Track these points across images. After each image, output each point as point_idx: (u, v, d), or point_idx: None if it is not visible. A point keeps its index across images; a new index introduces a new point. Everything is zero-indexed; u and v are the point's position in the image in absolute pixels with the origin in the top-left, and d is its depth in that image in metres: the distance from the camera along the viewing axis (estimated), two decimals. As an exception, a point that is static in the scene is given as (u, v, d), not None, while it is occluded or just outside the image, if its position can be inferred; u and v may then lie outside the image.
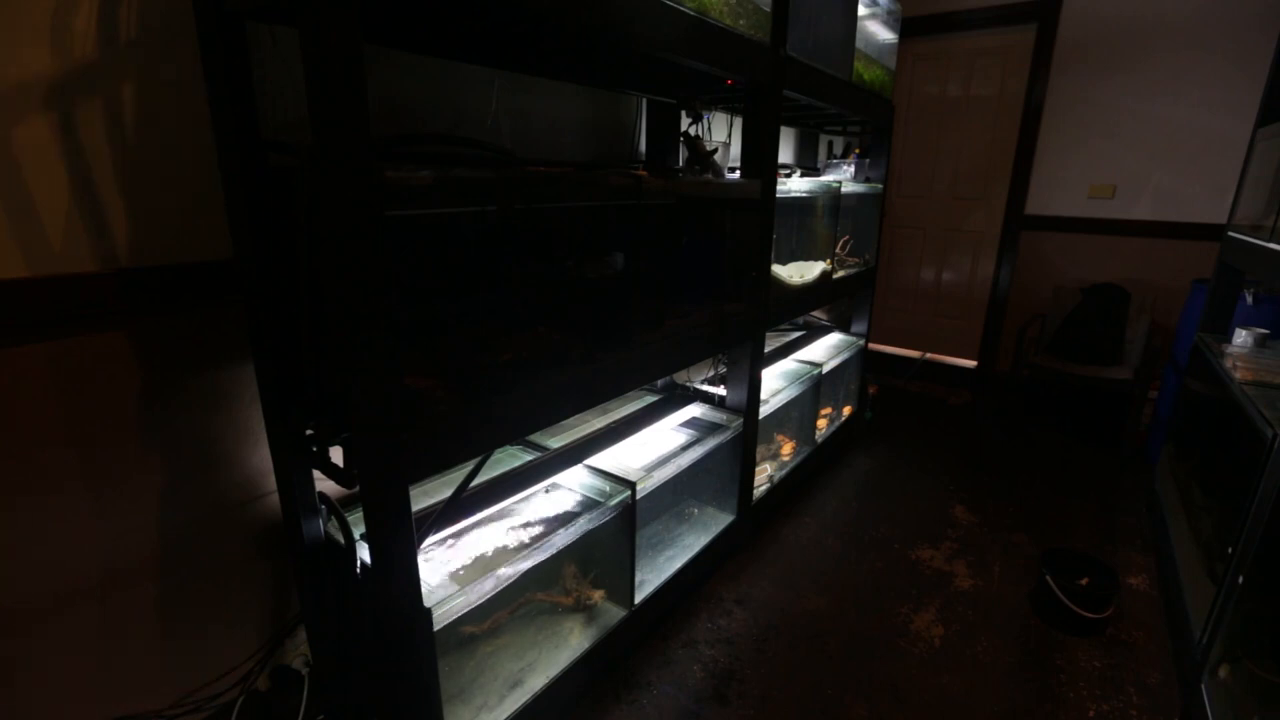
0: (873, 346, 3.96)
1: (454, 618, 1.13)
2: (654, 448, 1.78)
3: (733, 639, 1.72)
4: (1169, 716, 1.51)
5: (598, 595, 1.63)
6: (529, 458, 1.61)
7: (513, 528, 1.37)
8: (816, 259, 2.45)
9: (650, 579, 1.73)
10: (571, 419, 1.64)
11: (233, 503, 1.32)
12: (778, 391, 2.20)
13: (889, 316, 4.10)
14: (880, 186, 2.75)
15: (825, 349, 2.75)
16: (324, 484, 1.15)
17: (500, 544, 1.31)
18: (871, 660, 1.66)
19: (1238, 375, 1.63)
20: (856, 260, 2.80)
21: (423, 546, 1.24)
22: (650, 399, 2.08)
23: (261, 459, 1.33)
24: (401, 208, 0.91)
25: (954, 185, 3.70)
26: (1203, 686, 1.38)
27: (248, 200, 1.00)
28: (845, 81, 2.13)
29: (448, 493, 1.26)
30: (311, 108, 0.77)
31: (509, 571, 1.22)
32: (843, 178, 2.73)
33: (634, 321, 1.49)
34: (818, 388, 2.52)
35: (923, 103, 3.71)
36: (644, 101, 2.11)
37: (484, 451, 1.18)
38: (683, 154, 1.90)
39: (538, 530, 1.36)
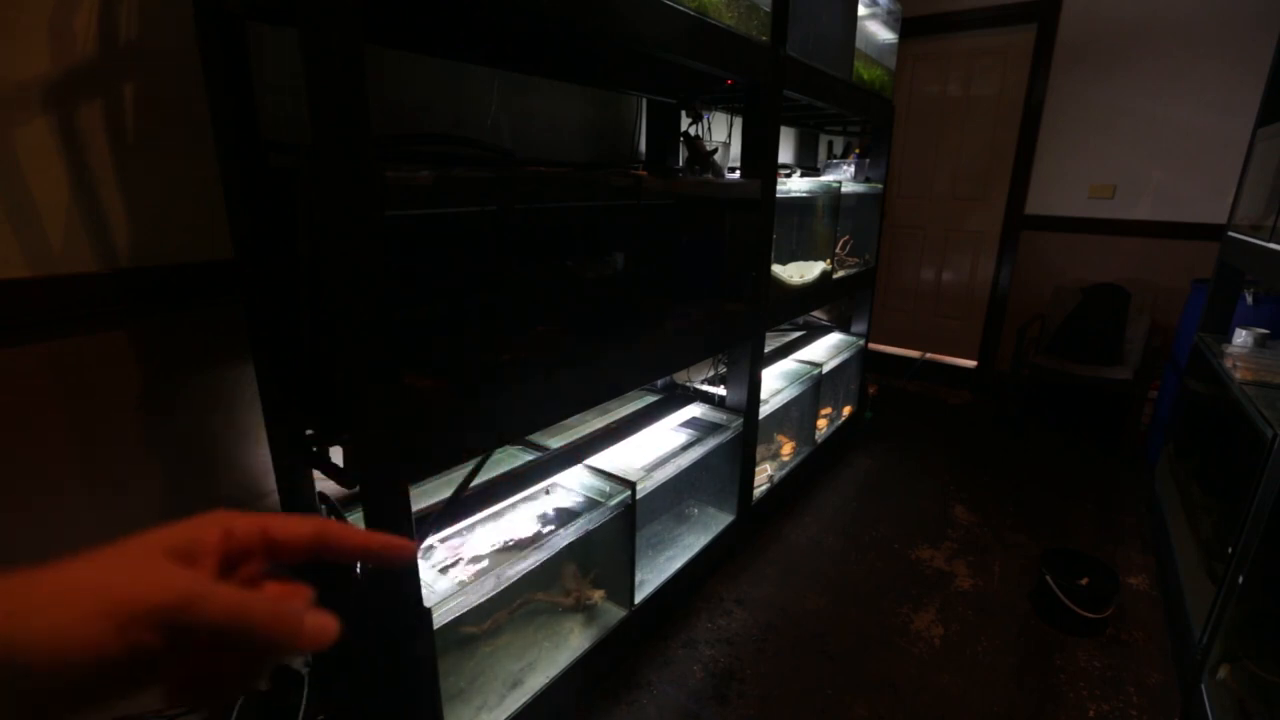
0: (873, 346, 3.94)
1: (454, 617, 1.13)
2: (654, 448, 1.77)
3: (733, 639, 1.72)
4: (1169, 716, 1.51)
5: (598, 595, 1.62)
6: (529, 458, 1.61)
7: (513, 528, 1.37)
8: (816, 259, 2.45)
9: (650, 579, 1.73)
10: (571, 419, 1.64)
11: (233, 503, 1.32)
12: (778, 391, 2.20)
13: (889, 316, 4.10)
14: (880, 186, 2.75)
15: (825, 349, 2.75)
16: (324, 484, 1.15)
17: (500, 544, 1.31)
18: (871, 660, 1.66)
19: (1238, 375, 1.63)
20: (856, 260, 2.80)
21: (422, 546, 1.24)
22: (650, 399, 2.08)
23: (261, 459, 1.33)
24: (401, 208, 0.91)
25: (954, 185, 3.70)
26: (1203, 686, 1.38)
27: (248, 200, 1.00)
28: (845, 81, 2.13)
29: (448, 493, 1.26)
30: (311, 108, 0.77)
31: (509, 571, 1.22)
32: (843, 178, 2.72)
33: (634, 321, 1.49)
34: (818, 388, 2.52)
35: (923, 103, 3.71)
36: (644, 101, 2.11)
37: (484, 451, 1.18)
38: (683, 154, 1.90)
39: (538, 530, 1.36)
